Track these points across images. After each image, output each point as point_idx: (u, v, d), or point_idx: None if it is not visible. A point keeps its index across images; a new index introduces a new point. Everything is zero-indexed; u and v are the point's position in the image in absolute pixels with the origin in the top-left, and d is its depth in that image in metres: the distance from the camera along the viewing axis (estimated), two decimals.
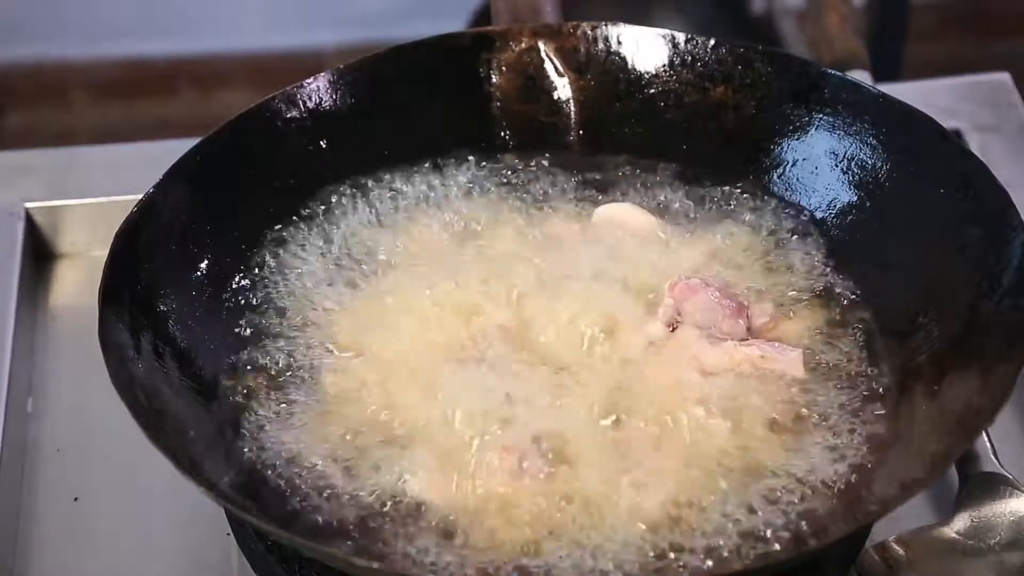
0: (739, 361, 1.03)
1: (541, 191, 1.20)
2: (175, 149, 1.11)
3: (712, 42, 1.19)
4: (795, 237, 1.14)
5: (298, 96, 1.16)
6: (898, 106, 1.12)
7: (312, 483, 0.97)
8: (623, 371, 1.03)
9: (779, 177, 1.17)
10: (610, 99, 1.22)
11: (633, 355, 1.04)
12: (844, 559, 0.99)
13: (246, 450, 0.99)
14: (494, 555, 0.92)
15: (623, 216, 1.16)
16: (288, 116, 1.16)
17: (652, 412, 1.00)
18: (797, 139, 1.16)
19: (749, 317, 1.07)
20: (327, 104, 1.17)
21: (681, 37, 1.20)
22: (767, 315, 1.08)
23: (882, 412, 1.01)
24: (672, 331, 1.05)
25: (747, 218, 1.16)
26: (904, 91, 1.18)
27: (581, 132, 1.22)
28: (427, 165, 1.20)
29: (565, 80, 1.22)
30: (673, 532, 0.93)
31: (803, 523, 0.94)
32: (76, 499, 1.12)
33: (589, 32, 1.21)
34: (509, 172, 1.21)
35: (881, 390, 1.03)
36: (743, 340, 1.05)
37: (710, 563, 0.92)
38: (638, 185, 1.19)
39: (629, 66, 1.21)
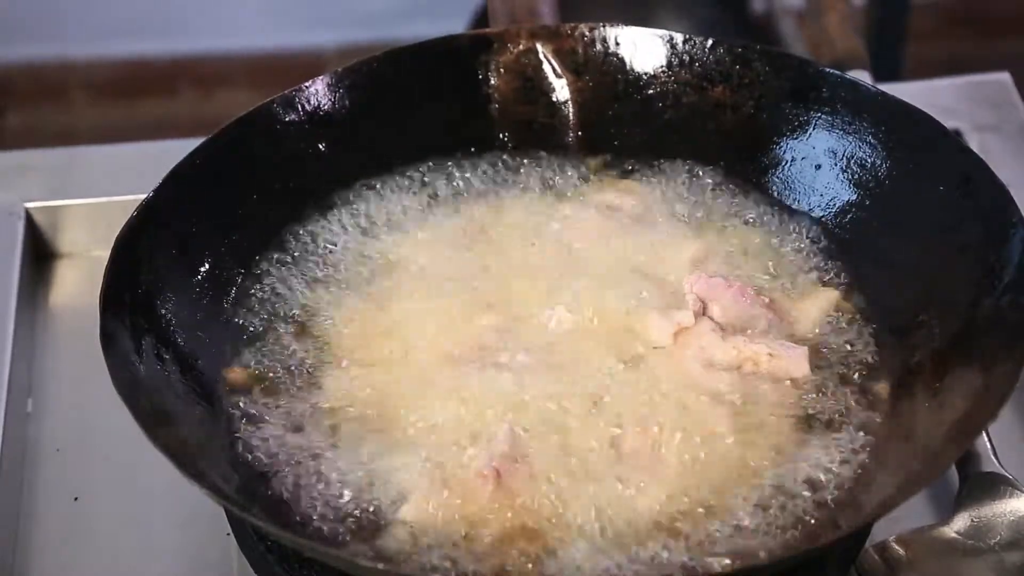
0: (746, 357, 1.03)
1: (540, 192, 1.20)
2: (175, 149, 1.11)
3: (710, 42, 1.19)
4: (795, 236, 1.14)
5: (297, 99, 1.16)
6: (897, 104, 1.12)
7: (311, 485, 0.97)
8: (627, 368, 1.03)
9: (778, 176, 1.17)
10: (608, 100, 1.22)
11: (641, 351, 1.04)
12: (844, 559, 0.99)
13: (246, 451, 0.99)
14: (495, 558, 0.92)
15: (614, 198, 1.17)
16: (287, 119, 1.16)
17: (654, 410, 1.01)
18: (796, 138, 1.16)
19: (769, 316, 1.08)
20: (326, 107, 1.17)
21: (679, 37, 1.20)
22: (768, 313, 1.08)
23: (883, 410, 1.01)
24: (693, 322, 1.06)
25: (746, 217, 1.16)
26: (904, 91, 1.18)
27: (580, 133, 1.22)
28: (426, 167, 1.20)
29: (563, 81, 1.22)
30: (671, 531, 0.93)
31: (803, 522, 0.94)
32: (76, 499, 1.12)
33: (587, 33, 1.21)
34: (508, 173, 1.21)
35: (882, 388, 1.03)
36: (751, 338, 1.05)
37: (709, 562, 0.92)
38: (638, 186, 1.19)
39: (627, 67, 1.21)
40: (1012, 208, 1.03)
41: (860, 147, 1.13)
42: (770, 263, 1.13)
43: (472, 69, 1.21)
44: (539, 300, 1.09)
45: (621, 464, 0.97)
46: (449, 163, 1.20)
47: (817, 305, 1.09)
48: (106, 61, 2.95)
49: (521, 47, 1.22)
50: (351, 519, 0.95)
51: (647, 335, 1.06)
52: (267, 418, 1.01)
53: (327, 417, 1.02)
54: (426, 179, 1.19)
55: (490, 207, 1.18)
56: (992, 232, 1.03)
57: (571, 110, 1.22)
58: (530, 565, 0.92)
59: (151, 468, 0.93)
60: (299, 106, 1.16)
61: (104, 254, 1.01)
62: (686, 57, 1.20)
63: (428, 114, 1.20)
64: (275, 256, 1.13)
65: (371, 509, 0.95)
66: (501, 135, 1.22)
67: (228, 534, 1.05)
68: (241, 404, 1.02)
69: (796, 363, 1.04)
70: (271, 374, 1.05)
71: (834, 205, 1.14)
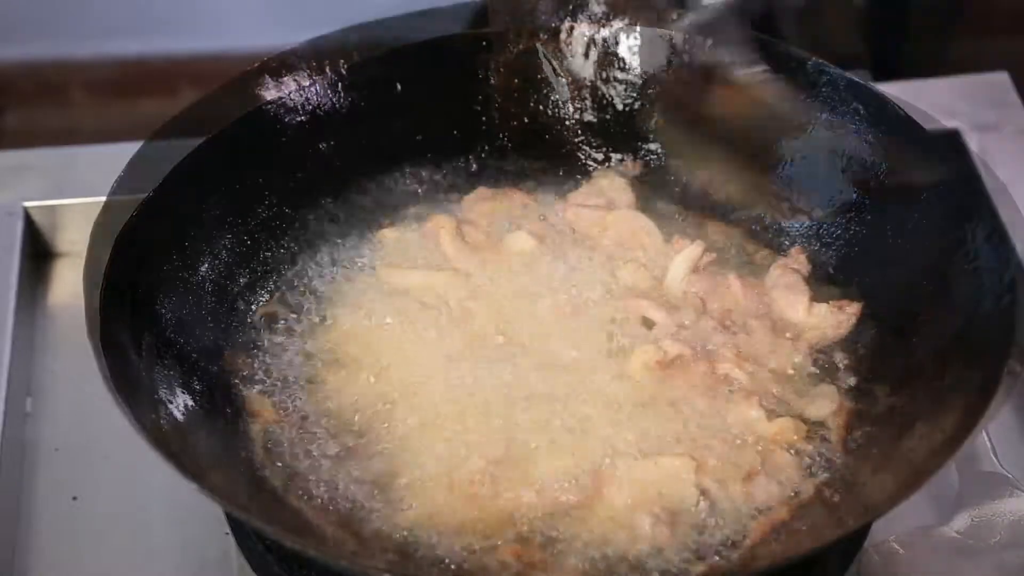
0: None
1: (540, 191, 1.20)
2: (175, 149, 1.11)
3: (710, 42, 1.19)
4: (795, 236, 1.15)
5: (297, 99, 1.16)
6: (896, 104, 1.12)
7: (311, 486, 0.97)
8: (627, 367, 1.03)
9: (779, 176, 1.17)
10: (609, 100, 1.22)
11: (641, 349, 1.04)
12: (844, 559, 0.99)
13: (245, 452, 0.99)
14: (492, 559, 0.92)
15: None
16: (287, 119, 1.16)
17: (654, 408, 1.01)
18: (796, 138, 1.16)
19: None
20: (326, 106, 1.17)
21: (679, 37, 1.20)
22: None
23: (883, 409, 1.01)
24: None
25: (747, 216, 1.16)
26: (904, 91, 1.18)
27: (579, 132, 1.22)
28: (426, 166, 1.20)
29: (563, 81, 1.22)
30: (671, 531, 0.94)
31: (803, 521, 0.94)
32: (75, 498, 1.12)
33: (587, 33, 1.21)
34: (508, 173, 1.21)
35: (882, 387, 1.03)
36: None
37: (708, 563, 0.92)
38: (637, 185, 1.19)
39: (627, 67, 1.21)
40: (1012, 207, 1.03)
41: (860, 147, 1.13)
42: (770, 262, 1.13)
43: (472, 69, 1.22)
44: (538, 300, 1.09)
45: (619, 465, 0.97)
46: (449, 162, 1.20)
47: (817, 304, 1.09)
48: (106, 61, 2.94)
49: (521, 47, 1.22)
50: (350, 520, 0.95)
51: (647, 333, 1.06)
52: (266, 417, 1.02)
53: (327, 419, 1.02)
54: (425, 178, 1.20)
55: (490, 206, 1.18)
56: (992, 232, 1.03)
57: (571, 110, 1.22)
58: (527, 565, 0.92)
59: (151, 468, 0.93)
60: (300, 105, 1.17)
61: (104, 254, 1.01)
62: (686, 57, 1.20)
63: (428, 114, 1.20)
64: (275, 256, 1.13)
65: (370, 511, 0.95)
66: (501, 135, 1.22)
67: (228, 534, 1.05)
68: (240, 403, 1.02)
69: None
70: (270, 374, 1.05)
71: (834, 204, 1.14)
